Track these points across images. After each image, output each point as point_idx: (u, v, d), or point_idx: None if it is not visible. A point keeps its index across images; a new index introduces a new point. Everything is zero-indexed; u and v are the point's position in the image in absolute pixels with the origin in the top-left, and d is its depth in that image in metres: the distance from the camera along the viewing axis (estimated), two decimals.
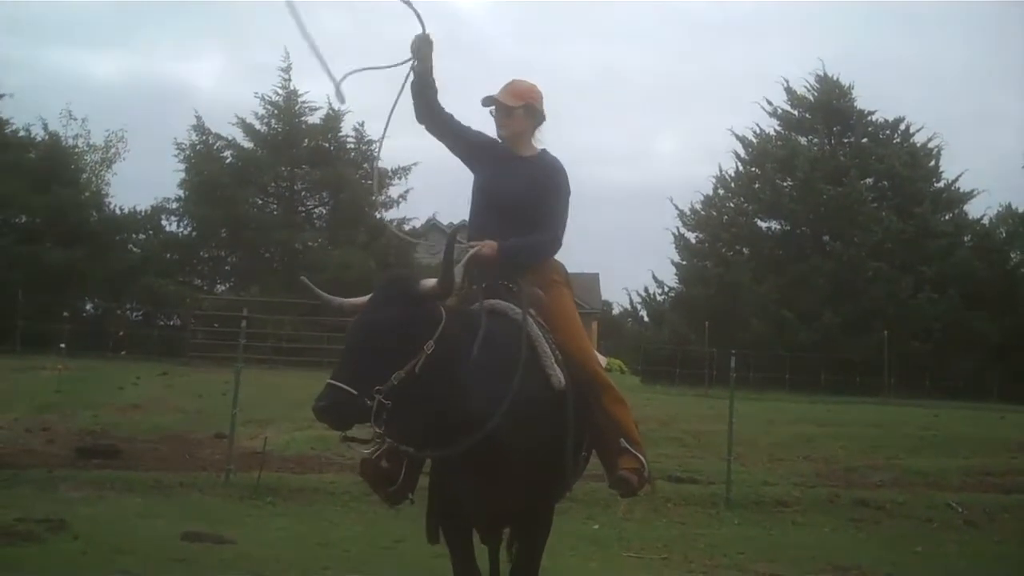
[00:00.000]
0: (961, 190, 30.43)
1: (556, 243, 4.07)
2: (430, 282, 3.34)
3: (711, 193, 31.15)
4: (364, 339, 3.22)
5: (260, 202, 29.47)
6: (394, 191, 29.31)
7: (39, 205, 26.27)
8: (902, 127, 31.23)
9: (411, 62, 4.03)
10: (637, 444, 3.84)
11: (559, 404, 3.64)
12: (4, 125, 27.95)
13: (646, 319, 32.97)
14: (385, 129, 4.28)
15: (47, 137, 29.26)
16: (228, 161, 28.85)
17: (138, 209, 29.03)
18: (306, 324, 23.70)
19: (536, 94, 4.16)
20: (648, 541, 7.95)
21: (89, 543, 6.61)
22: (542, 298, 3.92)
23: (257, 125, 29.03)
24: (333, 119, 29.23)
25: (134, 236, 29.05)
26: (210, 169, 28.02)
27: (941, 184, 30.63)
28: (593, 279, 39.11)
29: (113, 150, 39.46)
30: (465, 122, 4.15)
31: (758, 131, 31.33)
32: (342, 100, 4.19)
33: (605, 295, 43.62)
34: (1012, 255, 30.75)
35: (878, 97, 45.42)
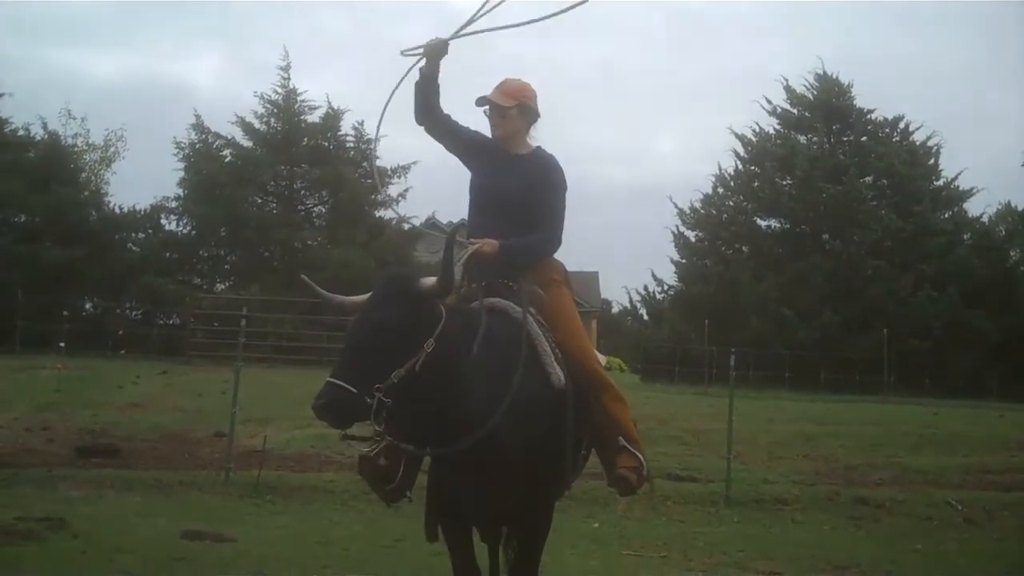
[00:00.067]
0: (960, 188, 30.43)
1: (556, 241, 4.07)
2: (430, 280, 3.34)
3: (711, 192, 31.14)
4: (364, 337, 3.22)
5: (259, 201, 29.46)
6: (393, 190, 29.32)
7: (38, 204, 26.27)
8: (901, 125, 31.22)
9: (419, 60, 4.03)
10: (636, 443, 3.84)
11: (559, 402, 3.64)
12: (3, 124, 27.94)
13: (646, 317, 32.96)
14: (380, 119, 4.29)
15: (46, 136, 29.28)
16: (227, 160, 28.83)
17: (137, 208, 29.08)
18: (306, 323, 23.72)
19: (529, 92, 4.15)
20: (648, 539, 7.96)
21: (89, 542, 6.61)
22: (542, 297, 3.92)
23: (256, 124, 29.04)
24: (332, 118, 29.27)
25: (133, 235, 29.07)
26: (209, 168, 28.01)
27: (940, 182, 30.61)
28: (593, 277, 39.16)
29: (112, 149, 39.52)
30: (464, 121, 4.15)
31: (757, 130, 31.32)
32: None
33: (605, 293, 43.74)
34: (1011, 253, 30.75)
35: (877, 95, 45.40)
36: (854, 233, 27.80)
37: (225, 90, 65.61)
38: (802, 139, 30.77)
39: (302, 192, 30.07)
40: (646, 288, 31.87)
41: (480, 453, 3.39)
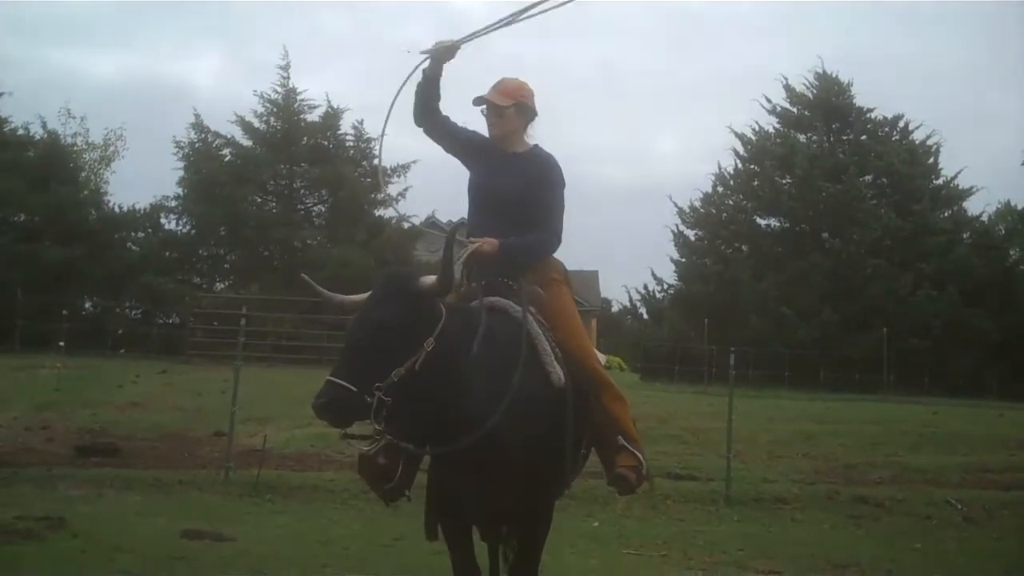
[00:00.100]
0: (960, 187, 30.43)
1: (556, 240, 4.07)
2: (430, 279, 3.34)
3: (710, 191, 31.13)
4: (364, 336, 3.22)
5: (259, 200, 29.45)
6: (393, 189, 29.28)
7: (38, 203, 26.25)
8: (901, 124, 31.21)
9: (424, 60, 4.03)
10: (635, 442, 3.83)
11: (559, 401, 3.64)
12: (3, 123, 27.92)
13: (645, 316, 32.96)
14: (387, 117, 4.28)
15: (46, 135, 29.25)
16: (227, 159, 28.82)
17: (137, 207, 29.07)
18: (305, 322, 23.71)
19: (526, 91, 4.15)
20: (647, 538, 7.96)
21: (88, 541, 6.61)
22: (542, 296, 3.92)
23: (256, 123, 29.03)
24: (332, 117, 29.28)
25: (133, 234, 29.06)
26: (209, 167, 28.00)
27: (940, 181, 30.61)
28: (592, 276, 39.16)
29: (112, 148, 39.48)
30: (461, 120, 4.16)
31: (757, 128, 31.32)
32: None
33: (604, 292, 43.73)
34: (1011, 252, 30.77)
35: (877, 94, 45.37)
36: (854, 232, 27.79)
37: (225, 89, 65.68)
38: (802, 138, 30.77)
39: (302, 191, 30.06)
40: (646, 287, 31.90)
41: (480, 452, 3.39)
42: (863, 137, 30.71)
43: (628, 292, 35.05)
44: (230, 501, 8.88)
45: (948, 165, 31.11)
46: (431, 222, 29.58)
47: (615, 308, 45.21)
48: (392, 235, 28.13)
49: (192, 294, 26.27)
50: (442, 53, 4.02)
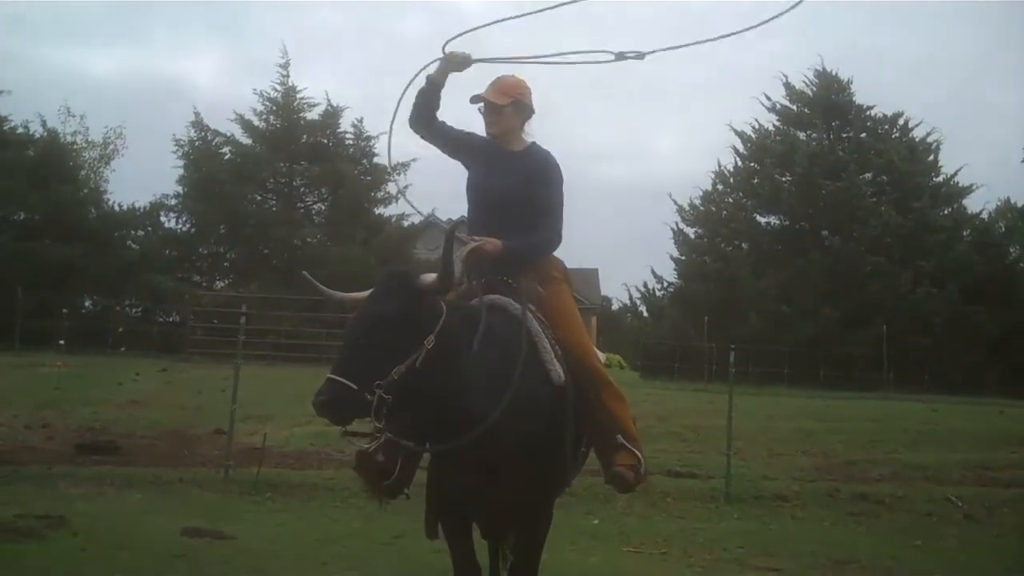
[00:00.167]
0: (960, 184, 30.43)
1: (557, 238, 4.08)
2: (430, 277, 3.33)
3: (710, 188, 31.14)
4: (364, 334, 3.21)
5: (259, 198, 29.44)
6: (393, 187, 29.34)
7: (38, 202, 26.27)
8: (901, 122, 31.19)
9: (432, 62, 4.05)
10: (634, 440, 3.83)
11: (559, 399, 3.64)
12: (2, 122, 27.90)
13: (645, 314, 32.96)
14: (395, 113, 4.29)
15: (45, 134, 29.26)
16: (227, 157, 28.80)
17: (137, 206, 29.12)
18: (305, 320, 23.71)
19: (524, 89, 4.15)
20: (648, 536, 7.96)
21: (89, 539, 6.60)
22: (541, 294, 3.93)
23: (256, 121, 29.03)
24: (331, 115, 29.29)
25: (133, 233, 29.09)
26: (209, 165, 27.99)
27: (940, 179, 30.60)
28: (592, 274, 39.16)
29: (112, 147, 39.56)
30: (463, 118, 4.17)
31: (757, 126, 31.31)
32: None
33: (604, 290, 43.71)
34: (1011, 249, 30.78)
35: (877, 92, 45.46)
36: (853, 229, 27.79)
37: (224, 87, 65.69)
38: (802, 135, 30.75)
39: (301, 189, 30.05)
40: (646, 285, 31.89)
41: (480, 449, 3.39)
42: (863, 135, 30.70)
43: (628, 290, 35.18)
44: (230, 499, 8.87)
45: (948, 162, 31.15)
46: (431, 220, 29.61)
47: (615, 306, 45.24)
48: (392, 233, 28.14)
49: (192, 292, 26.27)
50: (455, 64, 4.05)
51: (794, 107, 31.26)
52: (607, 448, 3.86)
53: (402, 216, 29.38)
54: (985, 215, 31.65)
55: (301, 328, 24.06)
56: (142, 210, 28.84)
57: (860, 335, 25.74)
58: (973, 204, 30.89)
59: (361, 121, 29.49)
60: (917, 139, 30.89)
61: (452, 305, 3.47)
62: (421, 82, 4.12)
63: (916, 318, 26.29)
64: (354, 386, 3.06)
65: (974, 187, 30.29)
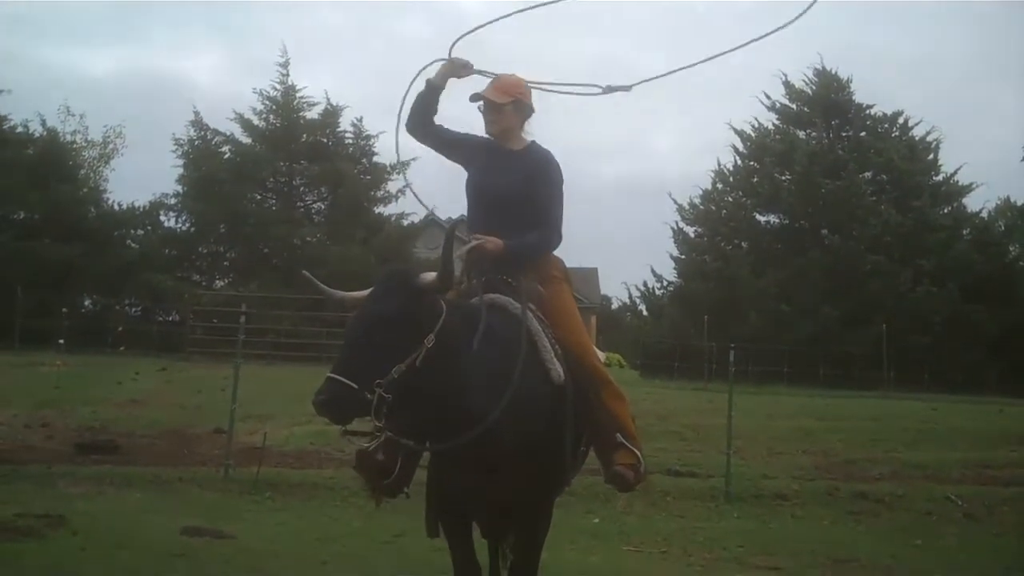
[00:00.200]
0: (960, 183, 30.40)
1: (557, 238, 4.07)
2: (430, 276, 3.33)
3: (710, 187, 31.10)
4: (364, 333, 3.21)
5: (259, 197, 29.43)
6: (392, 186, 29.34)
7: (37, 201, 26.27)
8: (900, 120, 31.17)
9: (433, 62, 4.06)
10: (634, 439, 3.83)
11: (558, 399, 3.64)
12: (2, 121, 27.90)
13: (645, 313, 32.96)
14: (400, 111, 4.29)
15: (45, 133, 29.26)
16: (226, 157, 28.79)
17: (136, 205, 29.12)
18: (305, 319, 23.70)
19: (524, 88, 4.15)
20: (648, 535, 7.96)
21: (88, 538, 6.60)
22: (541, 293, 3.93)
23: (255, 120, 29.00)
24: (331, 114, 29.28)
25: (132, 232, 29.10)
26: (208, 165, 27.98)
27: (940, 177, 30.58)
28: (592, 273, 39.15)
29: (111, 146, 39.54)
30: (462, 116, 4.16)
31: (756, 125, 31.28)
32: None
33: (604, 289, 43.70)
34: (1011, 248, 30.77)
35: (876, 91, 45.57)
36: (853, 228, 27.78)
37: (224, 87, 65.71)
38: (801, 134, 30.73)
39: (301, 189, 30.04)
40: (645, 284, 31.88)
41: (480, 448, 3.39)
42: (863, 133, 30.67)
43: (628, 289, 35.11)
44: (230, 498, 8.87)
45: (948, 161, 31.12)
46: (431, 220, 29.59)
47: (615, 305, 45.20)
48: (392, 232, 28.15)
49: (192, 292, 26.26)
50: (456, 69, 4.06)
51: (794, 106, 31.24)
52: (607, 447, 3.85)
53: (402, 215, 29.43)
54: (985, 214, 31.68)
55: (301, 327, 24.05)
56: (142, 209, 28.84)
57: (860, 334, 25.73)
58: (973, 203, 30.93)
59: (361, 120, 29.53)
60: (917, 138, 30.88)
61: (452, 304, 3.47)
62: (424, 79, 4.12)
63: (916, 317, 26.28)
64: (354, 385, 3.06)
65: (974, 186, 30.29)
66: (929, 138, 30.80)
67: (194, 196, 27.83)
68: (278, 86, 29.02)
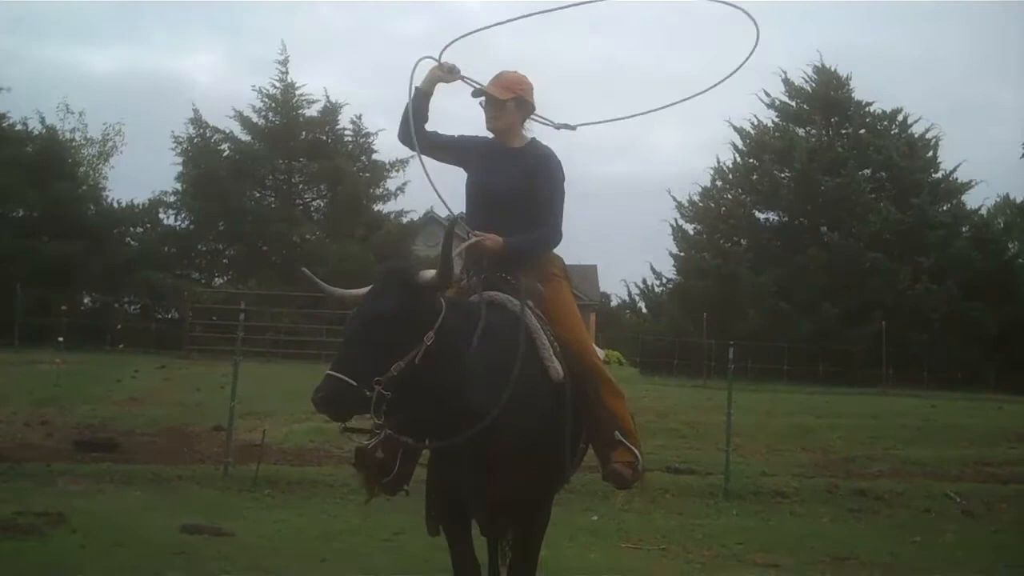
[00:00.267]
0: (959, 181, 30.47)
1: (557, 235, 4.07)
2: (429, 273, 3.33)
3: (709, 185, 31.18)
4: (363, 330, 3.22)
5: (258, 195, 29.46)
6: (392, 184, 29.36)
7: (36, 199, 26.27)
8: (900, 118, 31.23)
9: (424, 57, 4.04)
10: (632, 437, 3.83)
11: (557, 396, 3.64)
12: (1, 119, 27.92)
13: (644, 311, 33.02)
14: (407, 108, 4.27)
15: (44, 131, 29.30)
16: (226, 154, 28.82)
17: (136, 203, 29.14)
18: (304, 317, 23.71)
19: (526, 86, 4.13)
20: (647, 532, 7.95)
21: (88, 536, 6.60)
22: (540, 290, 3.91)
23: (254, 118, 29.02)
24: (330, 112, 29.30)
25: (132, 229, 29.11)
26: (208, 162, 27.99)
27: (939, 175, 30.66)
28: (591, 271, 39.11)
29: (110, 143, 39.48)
30: (460, 113, 4.15)
31: (756, 122, 31.35)
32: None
33: (603, 287, 43.62)
34: (1010, 245, 30.84)
35: (876, 88, 45.50)
36: (852, 226, 27.82)
37: (223, 84, 65.64)
38: (800, 132, 30.77)
39: (300, 186, 30.06)
40: (644, 281, 31.96)
41: (479, 446, 3.39)
42: (862, 131, 30.70)
43: (627, 286, 35.15)
44: (229, 496, 8.86)
45: (947, 159, 31.22)
46: (430, 217, 29.60)
47: (614, 302, 45.12)
48: (391, 230, 28.16)
49: (191, 289, 26.26)
50: (442, 75, 4.04)
51: (793, 103, 31.28)
52: (605, 445, 3.85)
53: (401, 212, 29.49)
54: (984, 211, 31.80)
55: (300, 325, 24.05)
56: (141, 207, 28.85)
57: (859, 331, 25.77)
58: (972, 200, 31.00)
59: (360, 118, 29.59)
60: (916, 135, 30.94)
61: (451, 302, 3.47)
62: (423, 74, 4.09)
63: (915, 314, 26.32)
64: (353, 383, 3.07)
65: (973, 183, 30.38)
66: (928, 135, 30.90)
67: (193, 194, 27.84)
68: (277, 84, 29.08)
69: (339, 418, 3.20)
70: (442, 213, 27.48)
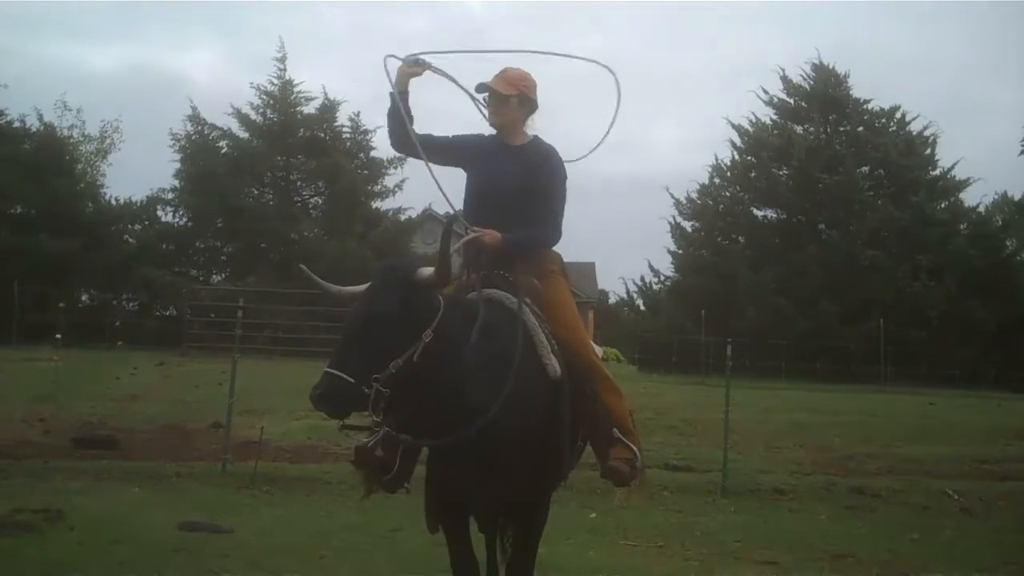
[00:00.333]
0: (957, 178, 30.49)
1: (557, 233, 4.07)
2: (428, 270, 3.33)
3: (707, 182, 31.20)
4: (362, 327, 3.21)
5: (256, 192, 29.47)
6: (390, 181, 29.37)
7: (34, 196, 26.27)
8: (898, 115, 31.24)
9: (387, 57, 4.01)
10: (630, 434, 3.84)
11: (555, 393, 3.64)
12: None
13: (642, 308, 33.05)
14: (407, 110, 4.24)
15: (42, 128, 29.30)
16: (224, 151, 28.83)
17: (134, 200, 29.17)
18: (302, 314, 23.67)
19: (530, 82, 4.12)
20: (645, 529, 7.95)
21: (86, 533, 6.59)
22: (538, 288, 3.91)
23: (253, 115, 29.04)
24: (328, 109, 29.33)
25: (130, 227, 29.11)
26: (206, 159, 28.00)
27: (937, 172, 30.66)
28: (589, 268, 39.10)
29: (108, 140, 39.43)
30: (460, 111, 4.14)
31: (754, 120, 31.36)
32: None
33: (602, 284, 43.60)
34: (1008, 243, 30.83)
35: (874, 85, 45.28)
36: (851, 223, 27.84)
37: (221, 82, 65.60)
38: (799, 129, 30.78)
39: (298, 183, 30.07)
40: (643, 279, 31.98)
41: (477, 443, 3.39)
42: (860, 128, 30.73)
43: (625, 284, 35.20)
44: (228, 493, 8.85)
45: (945, 156, 31.27)
46: (428, 214, 29.60)
47: (612, 300, 45.09)
48: (389, 227, 28.16)
49: (189, 286, 26.25)
50: (413, 70, 3.99)
51: (791, 101, 31.29)
52: (603, 442, 3.86)
53: (399, 209, 29.48)
54: (982, 208, 31.85)
55: (298, 322, 24.01)
56: (139, 204, 28.87)
57: (857, 328, 25.78)
58: (970, 198, 31.07)
59: (358, 115, 29.63)
60: (914, 133, 30.94)
61: (450, 299, 3.47)
62: (387, 113, 4.06)
63: (913, 311, 26.34)
64: (352, 380, 3.07)
65: (971, 180, 30.41)
66: (927, 133, 30.92)
67: (191, 191, 27.84)
68: (275, 81, 29.10)
69: (337, 415, 3.21)
70: (443, 209, 27.57)
